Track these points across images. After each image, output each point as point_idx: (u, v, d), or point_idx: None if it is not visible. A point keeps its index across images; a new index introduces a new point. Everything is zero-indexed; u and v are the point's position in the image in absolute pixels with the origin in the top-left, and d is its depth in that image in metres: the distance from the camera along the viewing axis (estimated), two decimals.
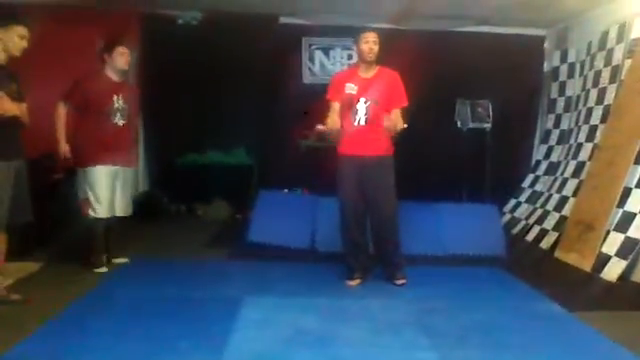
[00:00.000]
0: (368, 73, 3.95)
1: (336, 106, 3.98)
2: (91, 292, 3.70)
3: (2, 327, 3.01)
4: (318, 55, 7.03)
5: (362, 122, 3.89)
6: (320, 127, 3.91)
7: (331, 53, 7.03)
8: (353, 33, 6.95)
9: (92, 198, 4.12)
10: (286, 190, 6.26)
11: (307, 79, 6.98)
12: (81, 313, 3.32)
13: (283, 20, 6.67)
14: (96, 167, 4.11)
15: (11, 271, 3.75)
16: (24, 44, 3.27)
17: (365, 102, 3.87)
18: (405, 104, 3.96)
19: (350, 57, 6.98)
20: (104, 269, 4.21)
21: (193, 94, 6.64)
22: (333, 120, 3.90)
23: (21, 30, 3.24)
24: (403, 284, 4.03)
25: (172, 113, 6.61)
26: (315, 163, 6.35)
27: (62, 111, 4.03)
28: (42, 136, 3.61)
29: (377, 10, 6.14)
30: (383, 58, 4.00)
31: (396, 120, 3.83)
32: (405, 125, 3.80)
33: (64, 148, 4.03)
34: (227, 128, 6.70)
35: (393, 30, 6.44)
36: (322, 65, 7.04)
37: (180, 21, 6.55)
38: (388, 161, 3.96)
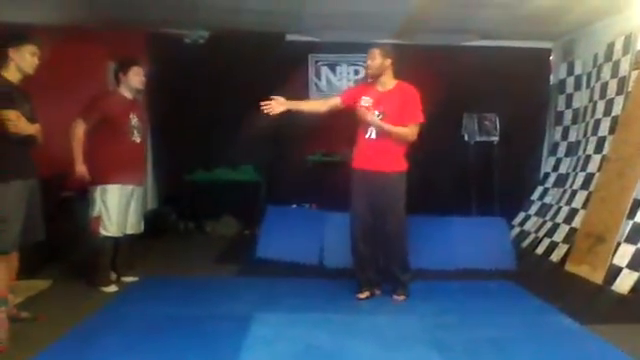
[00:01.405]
0: (385, 87, 3.97)
1: (334, 99, 4.14)
2: (100, 310, 3.70)
3: (12, 345, 3.01)
4: (324, 71, 7.08)
5: (373, 135, 3.90)
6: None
7: (337, 69, 7.09)
8: (359, 49, 7.03)
9: (105, 216, 4.11)
10: (294, 206, 6.27)
11: (314, 95, 7.01)
12: (90, 331, 3.32)
13: (289, 37, 6.73)
14: (113, 185, 4.11)
15: (21, 289, 3.76)
16: (36, 61, 3.31)
17: (378, 115, 3.86)
18: (420, 120, 3.91)
19: (357, 72, 7.04)
20: (114, 288, 4.19)
21: (201, 112, 6.69)
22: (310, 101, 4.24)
23: (31, 47, 3.27)
24: (401, 300, 4.01)
25: (180, 131, 6.66)
26: (323, 179, 6.38)
27: (80, 130, 3.98)
28: (51, 154, 3.62)
29: (382, 25, 6.18)
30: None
31: (365, 115, 3.84)
32: (373, 119, 3.82)
33: (82, 169, 3.99)
34: (235, 145, 6.71)
35: (399, 45, 6.48)
36: (328, 81, 7.09)
37: (187, 40, 6.63)
38: (399, 178, 3.93)
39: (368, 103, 3.91)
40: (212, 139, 6.76)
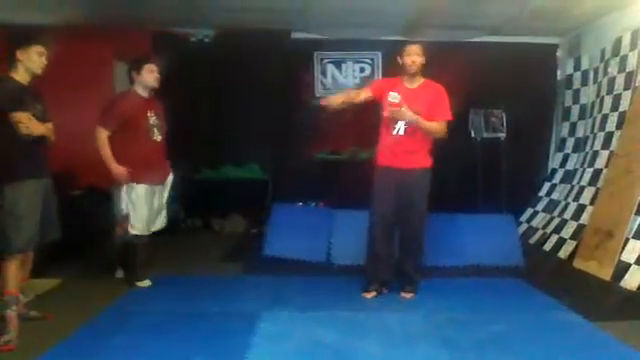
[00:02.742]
0: (413, 84, 3.96)
1: (365, 91, 4.06)
2: (108, 308, 3.72)
3: (20, 343, 3.03)
4: (330, 69, 7.08)
5: (401, 132, 3.88)
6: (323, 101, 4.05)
7: (343, 66, 7.08)
8: (364, 46, 7.02)
9: (132, 215, 4.11)
10: (300, 204, 6.27)
11: (320, 93, 7.00)
12: (98, 329, 3.34)
13: (295, 35, 6.72)
14: (138, 185, 4.10)
15: (30, 287, 3.77)
16: (44, 61, 3.31)
17: None
18: (449, 118, 3.93)
19: (362, 70, 7.04)
20: (148, 282, 4.26)
21: (207, 110, 6.70)
22: (341, 95, 4.13)
23: (39, 48, 3.27)
24: (409, 298, 4.02)
25: (187, 129, 6.66)
26: (329, 177, 6.38)
27: (104, 136, 3.98)
28: (59, 153, 3.63)
29: (388, 22, 6.16)
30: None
31: (405, 112, 3.77)
32: (410, 116, 3.77)
33: (119, 169, 3.99)
34: (241, 143, 6.74)
35: (404, 42, 6.46)
36: (334, 78, 7.08)
37: (193, 39, 6.65)
38: (425, 175, 3.96)
39: (397, 99, 3.81)
40: (219, 137, 6.77)
